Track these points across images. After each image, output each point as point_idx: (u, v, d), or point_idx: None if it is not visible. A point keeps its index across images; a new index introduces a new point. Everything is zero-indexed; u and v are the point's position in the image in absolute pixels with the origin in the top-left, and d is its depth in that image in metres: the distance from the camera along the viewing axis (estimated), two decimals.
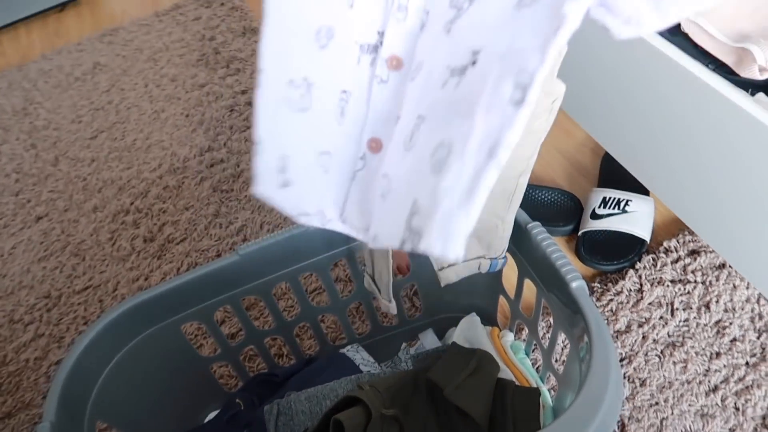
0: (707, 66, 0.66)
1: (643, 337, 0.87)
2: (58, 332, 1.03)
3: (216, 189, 1.20)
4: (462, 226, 0.33)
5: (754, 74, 0.69)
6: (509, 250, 0.70)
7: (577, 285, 0.59)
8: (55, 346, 1.01)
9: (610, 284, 0.92)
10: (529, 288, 0.71)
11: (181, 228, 1.15)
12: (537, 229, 0.65)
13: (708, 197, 0.70)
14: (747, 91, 0.68)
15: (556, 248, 0.62)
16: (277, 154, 0.41)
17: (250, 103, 1.36)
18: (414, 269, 0.83)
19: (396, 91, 0.38)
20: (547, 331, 0.86)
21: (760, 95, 0.69)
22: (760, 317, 0.86)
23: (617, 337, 0.87)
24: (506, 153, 0.30)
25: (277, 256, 0.73)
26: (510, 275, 0.75)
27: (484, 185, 0.31)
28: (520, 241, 0.67)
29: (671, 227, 0.98)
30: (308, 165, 0.41)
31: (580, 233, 0.97)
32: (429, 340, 0.86)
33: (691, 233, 0.96)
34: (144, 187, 1.24)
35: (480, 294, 0.83)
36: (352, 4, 0.38)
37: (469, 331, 0.81)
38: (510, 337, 0.80)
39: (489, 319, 0.83)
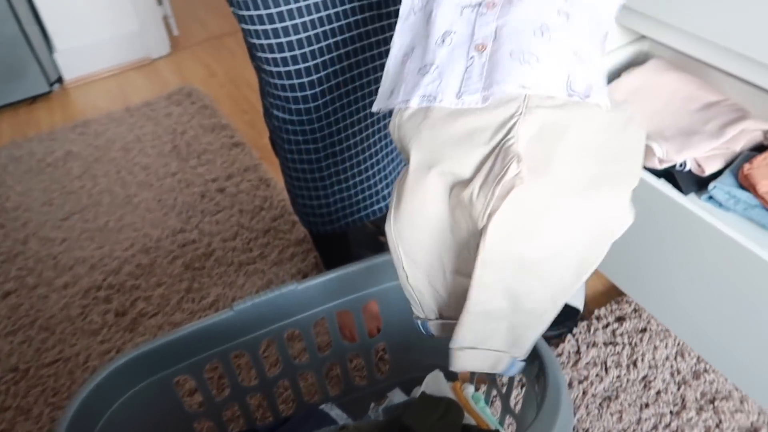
0: None
1: (584, 393, 0.98)
2: (25, 404, 1.03)
3: (188, 267, 1.27)
4: None
5: (655, 165, 0.88)
6: None
7: None
8: (21, 419, 1.02)
9: (552, 347, 1.05)
10: None
11: (154, 303, 1.20)
12: None
13: (633, 261, 0.86)
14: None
15: None
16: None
17: (220, 190, 1.47)
18: (384, 329, 0.92)
19: (495, 14, 0.54)
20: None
21: (662, 180, 0.87)
22: (678, 372, 1.00)
23: None
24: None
25: (267, 312, 0.81)
26: None
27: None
28: None
29: (600, 298, 1.14)
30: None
31: None
32: (397, 398, 0.94)
33: (618, 302, 1.11)
34: (116, 264, 1.29)
35: (444, 352, 0.93)
36: None
37: (434, 386, 0.91)
38: (471, 389, 0.89)
39: (452, 373, 0.93)
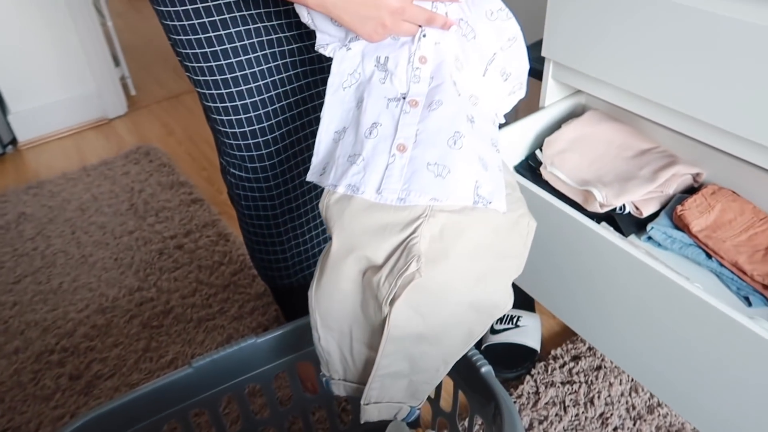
0: (564, 203, 0.88)
1: None
2: None
3: (146, 326, 1.25)
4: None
5: (596, 209, 0.93)
6: None
7: (486, 370, 0.73)
8: None
9: (512, 389, 1.07)
10: (447, 385, 0.83)
11: (110, 364, 1.17)
12: None
13: (582, 302, 0.89)
14: (593, 220, 0.91)
15: None
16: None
17: (179, 247, 1.47)
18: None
19: (416, 116, 0.63)
20: (465, 418, 0.97)
21: (603, 224, 0.92)
22: (634, 407, 1.03)
23: None
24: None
25: (227, 368, 0.81)
26: None
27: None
28: None
29: (556, 339, 1.17)
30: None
31: (482, 347, 1.13)
32: None
33: (573, 342, 1.14)
34: (70, 327, 1.26)
35: None
36: (384, 80, 0.65)
37: None
38: None
39: (413, 421, 0.93)
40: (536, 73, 1.12)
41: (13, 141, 2.00)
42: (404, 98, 0.64)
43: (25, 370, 1.17)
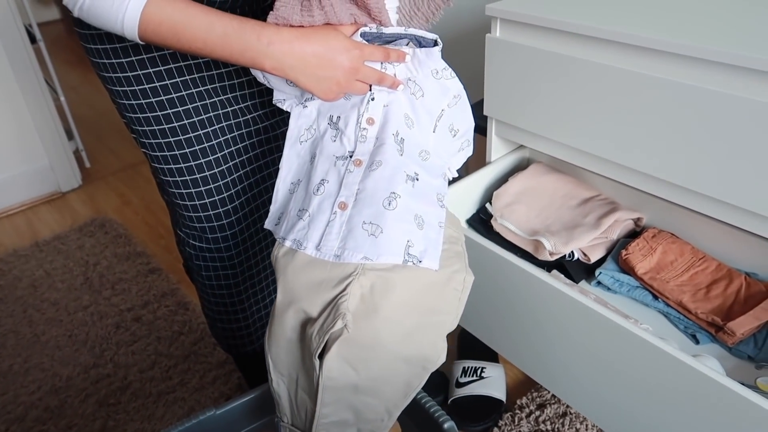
0: (516, 254, 0.90)
1: None
2: None
3: (102, 404, 1.21)
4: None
5: (546, 257, 0.96)
6: None
7: (449, 426, 0.74)
8: None
9: None
10: None
11: None
12: None
13: (539, 351, 0.91)
14: (544, 269, 0.94)
15: (428, 399, 0.77)
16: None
17: (136, 319, 1.43)
18: None
19: (358, 176, 0.66)
20: None
21: (554, 272, 0.95)
22: None
23: None
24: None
25: None
26: None
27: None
28: None
29: (521, 387, 1.17)
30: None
31: (449, 401, 1.13)
32: None
33: (538, 390, 1.15)
34: (21, 411, 1.21)
35: None
36: (335, 139, 0.69)
37: None
38: None
39: None
40: (481, 129, 1.17)
41: None
42: (351, 157, 0.67)
43: None
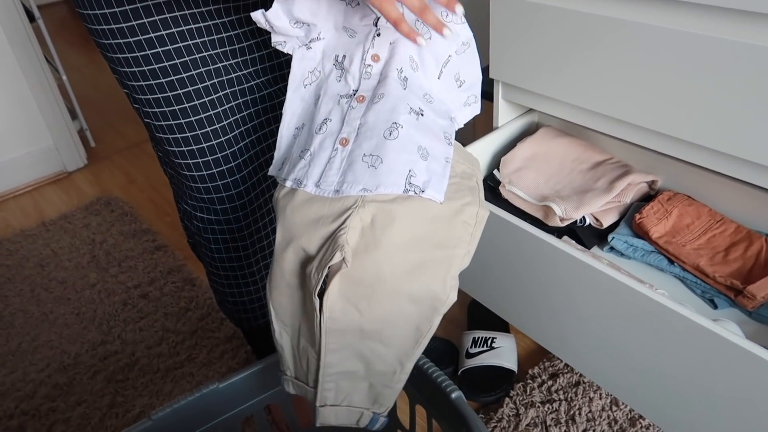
0: (525, 221, 0.88)
1: None
2: None
3: (110, 380, 1.20)
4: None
5: (557, 223, 0.93)
6: None
7: (456, 395, 0.71)
8: None
9: (491, 413, 1.04)
10: (420, 414, 0.81)
11: (74, 424, 1.12)
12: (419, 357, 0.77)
13: (551, 320, 0.88)
14: (555, 235, 0.91)
15: (436, 369, 0.75)
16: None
17: (143, 296, 1.42)
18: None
19: (360, 111, 0.64)
20: None
21: (565, 238, 0.92)
22: (615, 421, 1.01)
23: None
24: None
25: (189, 417, 0.77)
26: (403, 406, 0.85)
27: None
28: None
29: (533, 357, 1.15)
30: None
31: (459, 372, 1.11)
32: None
33: (550, 359, 1.13)
34: (30, 388, 1.21)
35: None
36: (339, 78, 0.66)
37: None
38: None
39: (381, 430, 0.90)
40: (488, 95, 1.13)
41: None
42: (354, 94, 0.65)
43: None
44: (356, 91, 0.65)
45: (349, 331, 0.59)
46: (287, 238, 0.61)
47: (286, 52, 0.70)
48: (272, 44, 0.69)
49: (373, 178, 0.59)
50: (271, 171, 0.69)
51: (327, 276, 0.57)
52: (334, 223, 0.59)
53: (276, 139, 0.88)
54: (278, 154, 0.69)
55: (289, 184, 0.63)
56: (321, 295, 0.58)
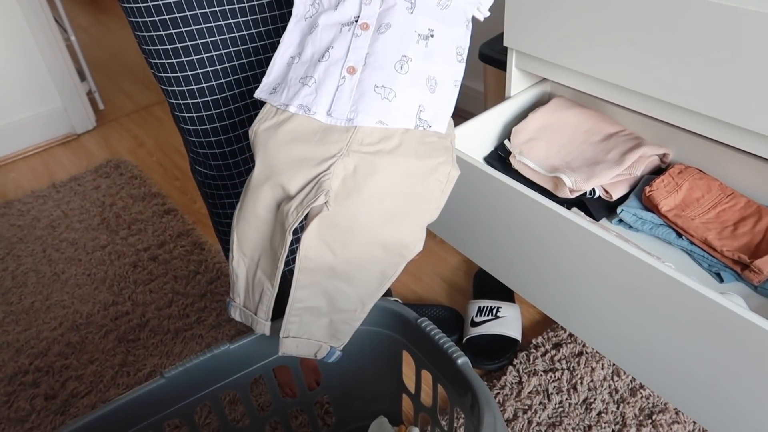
0: (535, 191, 0.87)
1: (529, 422, 1.00)
2: None
3: (122, 340, 1.23)
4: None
5: (566, 194, 0.93)
6: (406, 347, 0.83)
7: (462, 361, 0.73)
8: None
9: (495, 380, 1.06)
10: (426, 380, 0.83)
11: (86, 381, 1.15)
12: (425, 323, 0.78)
13: (558, 289, 0.89)
14: (564, 206, 0.91)
15: (442, 335, 0.76)
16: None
17: (153, 259, 1.44)
18: (325, 381, 0.92)
19: (366, 39, 0.64)
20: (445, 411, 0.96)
21: (574, 209, 0.92)
22: (616, 391, 1.03)
23: (507, 425, 0.99)
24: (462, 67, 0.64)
25: (200, 376, 0.79)
26: (408, 372, 0.87)
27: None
28: (412, 335, 0.80)
29: (537, 327, 1.17)
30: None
31: (464, 340, 1.13)
32: None
33: (554, 329, 1.14)
34: (44, 346, 1.23)
35: (386, 397, 0.93)
36: (337, 6, 0.66)
37: None
38: (416, 431, 0.89)
39: (396, 418, 0.93)
40: (501, 63, 1.12)
41: None
42: (356, 21, 0.65)
43: None
44: (358, 18, 0.65)
45: (321, 270, 0.64)
46: (266, 173, 0.64)
47: None
48: None
49: (388, 112, 0.62)
50: (259, 94, 0.69)
51: (305, 217, 0.61)
52: (318, 167, 0.62)
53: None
54: (268, 78, 0.70)
55: (293, 109, 0.64)
56: (295, 234, 0.61)
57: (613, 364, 1.07)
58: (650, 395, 1.01)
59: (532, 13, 0.89)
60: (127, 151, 1.95)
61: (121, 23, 2.98)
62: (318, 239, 0.62)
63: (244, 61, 0.82)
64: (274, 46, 0.85)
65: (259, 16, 0.82)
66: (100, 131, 2.10)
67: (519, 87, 1.06)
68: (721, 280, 0.82)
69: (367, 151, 0.62)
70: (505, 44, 0.97)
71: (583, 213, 0.91)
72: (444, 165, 0.66)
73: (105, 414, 0.74)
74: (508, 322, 1.13)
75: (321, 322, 0.69)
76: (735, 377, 0.67)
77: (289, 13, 0.71)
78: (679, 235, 0.87)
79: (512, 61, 1.00)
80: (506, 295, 1.19)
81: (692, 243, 0.85)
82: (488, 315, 1.14)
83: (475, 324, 1.13)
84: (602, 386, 1.04)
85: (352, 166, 0.62)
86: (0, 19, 1.83)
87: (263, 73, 0.84)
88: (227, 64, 0.80)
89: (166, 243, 1.48)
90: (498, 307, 1.14)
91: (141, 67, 2.50)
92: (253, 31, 0.82)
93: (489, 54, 1.23)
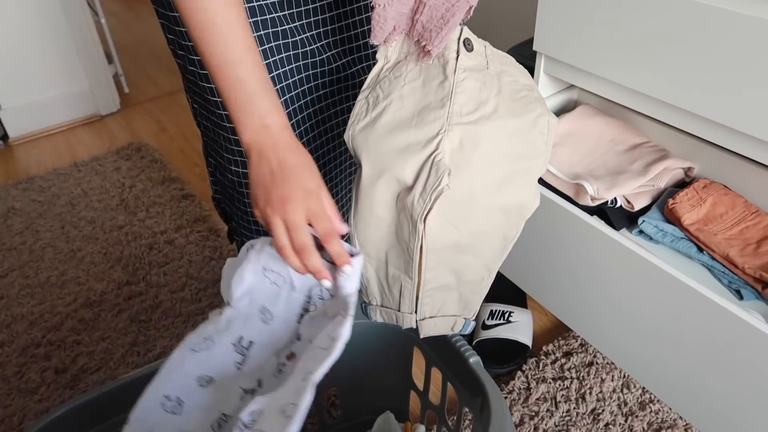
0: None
1: (535, 428, 0.99)
2: None
3: (134, 320, 1.24)
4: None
5: (587, 202, 0.92)
6: (417, 343, 0.83)
7: (474, 360, 0.72)
8: None
9: (503, 385, 1.06)
10: (435, 378, 0.82)
11: (97, 358, 1.16)
12: None
13: (574, 296, 0.89)
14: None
15: (455, 334, 0.76)
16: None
17: (169, 242, 1.45)
18: (334, 373, 0.92)
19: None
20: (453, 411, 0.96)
21: (595, 217, 0.91)
22: (625, 403, 1.02)
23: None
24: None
25: None
26: (418, 370, 0.86)
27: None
28: None
29: (548, 335, 1.16)
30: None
31: (474, 343, 1.12)
32: None
33: (565, 338, 1.13)
34: (57, 320, 1.25)
35: (394, 393, 0.93)
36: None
37: (385, 428, 0.90)
38: (422, 429, 0.89)
39: (402, 414, 0.92)
40: (529, 68, 1.11)
41: (4, 137, 1.98)
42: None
43: (9, 363, 1.16)
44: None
45: (447, 248, 0.64)
46: (377, 170, 0.63)
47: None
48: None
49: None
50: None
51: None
52: (426, 149, 0.61)
53: (330, 113, 0.86)
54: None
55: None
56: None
57: (624, 376, 1.06)
58: (660, 410, 1.00)
59: (565, 19, 0.89)
60: (150, 135, 1.97)
61: (152, 10, 3.01)
62: (440, 219, 0.61)
63: (315, 71, 0.81)
64: (346, 66, 0.85)
65: (337, 38, 0.81)
66: (123, 114, 2.13)
67: (546, 93, 1.06)
68: (741, 298, 0.81)
69: (468, 120, 0.62)
70: (534, 48, 0.97)
71: (603, 222, 0.91)
72: (542, 117, 0.66)
73: (113, 390, 0.74)
74: (520, 328, 1.12)
75: (452, 297, 0.69)
76: (753, 394, 0.66)
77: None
78: (700, 250, 0.86)
79: (540, 66, 1.00)
80: (519, 300, 1.18)
81: (713, 258, 0.84)
82: (500, 319, 1.13)
83: (486, 327, 1.13)
84: (611, 398, 1.03)
85: (457, 139, 0.62)
86: None
87: (328, 82, 0.83)
88: (294, 65, 0.78)
89: (182, 227, 1.49)
90: (510, 312, 1.14)
91: (167, 54, 2.52)
92: (320, 44, 0.81)
93: (517, 59, 1.22)
